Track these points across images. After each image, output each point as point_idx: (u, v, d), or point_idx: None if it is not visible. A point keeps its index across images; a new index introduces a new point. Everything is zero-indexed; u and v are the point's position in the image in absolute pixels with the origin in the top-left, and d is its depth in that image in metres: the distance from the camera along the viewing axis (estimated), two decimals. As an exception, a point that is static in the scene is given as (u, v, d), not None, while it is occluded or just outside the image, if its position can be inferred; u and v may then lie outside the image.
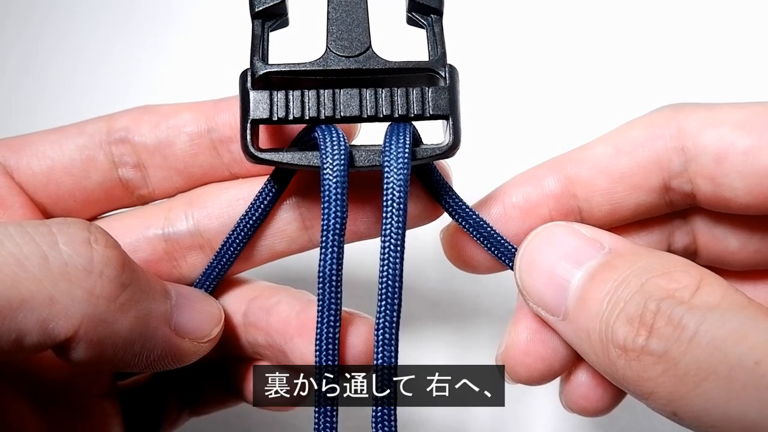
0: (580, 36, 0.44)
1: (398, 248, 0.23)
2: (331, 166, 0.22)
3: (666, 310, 0.20)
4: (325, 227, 0.23)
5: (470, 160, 0.39)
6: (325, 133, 0.23)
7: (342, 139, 0.23)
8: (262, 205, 0.25)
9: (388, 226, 0.23)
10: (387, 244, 0.23)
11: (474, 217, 0.25)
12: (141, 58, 0.45)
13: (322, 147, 0.23)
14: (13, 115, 0.43)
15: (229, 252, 0.26)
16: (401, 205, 0.23)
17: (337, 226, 0.22)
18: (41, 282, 0.19)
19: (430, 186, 0.26)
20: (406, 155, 0.23)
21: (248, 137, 0.23)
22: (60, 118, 0.28)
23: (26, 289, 0.18)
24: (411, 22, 0.25)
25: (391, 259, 0.23)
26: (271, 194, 0.25)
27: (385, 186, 0.23)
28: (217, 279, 0.27)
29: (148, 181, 0.27)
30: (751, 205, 0.23)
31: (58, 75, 0.44)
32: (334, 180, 0.22)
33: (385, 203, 0.23)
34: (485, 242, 0.26)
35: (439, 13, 0.25)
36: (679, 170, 0.24)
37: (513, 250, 0.25)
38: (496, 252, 0.26)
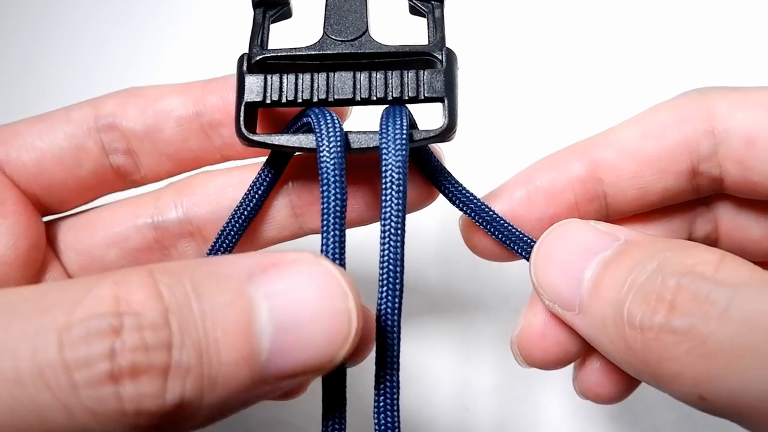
0: (588, 26, 0.44)
1: (399, 231, 0.22)
2: (327, 147, 0.22)
3: (689, 285, 0.19)
4: (325, 210, 0.22)
5: (480, 151, 0.40)
6: (319, 115, 0.23)
7: (336, 120, 0.23)
8: (258, 193, 0.25)
9: (388, 208, 0.22)
10: (387, 227, 0.22)
11: (474, 201, 0.25)
12: (142, 48, 0.45)
13: (317, 129, 0.22)
14: (13, 115, 0.43)
15: (227, 241, 0.26)
16: (401, 187, 0.22)
17: (338, 208, 0.22)
18: None
19: (426, 170, 0.25)
20: (404, 136, 0.22)
21: (242, 120, 0.23)
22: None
23: None
24: (413, 11, 0.25)
25: (391, 242, 0.22)
26: (266, 181, 0.25)
27: (383, 168, 0.22)
28: None
29: (140, 166, 0.26)
30: None
31: (56, 69, 0.44)
32: (332, 161, 0.22)
33: (384, 185, 0.22)
34: (487, 226, 0.25)
35: (441, 0, 0.25)
36: (708, 154, 0.23)
37: (515, 231, 0.25)
38: (497, 234, 0.25)
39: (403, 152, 0.22)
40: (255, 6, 0.24)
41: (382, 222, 0.22)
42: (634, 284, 0.20)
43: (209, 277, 0.17)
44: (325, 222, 0.22)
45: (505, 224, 0.25)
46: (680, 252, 0.20)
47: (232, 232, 0.26)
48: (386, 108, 0.24)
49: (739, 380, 0.18)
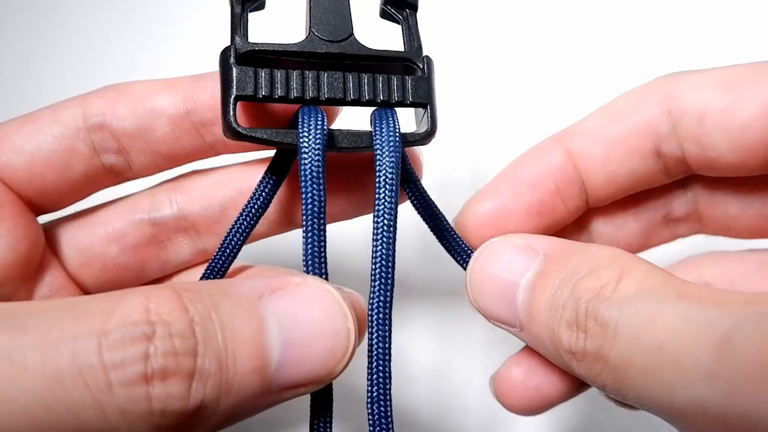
0: (571, 23, 0.44)
1: (391, 227, 0.23)
2: (307, 144, 0.22)
3: (593, 310, 0.20)
4: (304, 205, 0.22)
5: (466, 149, 0.40)
6: (305, 113, 0.23)
7: (322, 118, 0.23)
8: (260, 199, 0.25)
9: (382, 206, 0.23)
10: (380, 223, 0.23)
11: (432, 208, 0.26)
12: (142, 49, 0.45)
13: (301, 126, 0.23)
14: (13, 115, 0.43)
15: (231, 246, 0.26)
16: (393, 186, 0.23)
17: (317, 202, 0.22)
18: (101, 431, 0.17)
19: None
20: (398, 138, 0.23)
21: (231, 113, 0.22)
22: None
23: None
24: (385, 15, 0.26)
25: (384, 237, 0.23)
26: (269, 186, 0.25)
27: (378, 167, 0.23)
28: (220, 274, 0.26)
29: (132, 165, 0.26)
30: (737, 164, 0.23)
31: (55, 75, 0.45)
32: (309, 157, 0.22)
33: (378, 185, 0.23)
34: (438, 234, 0.26)
35: (414, 7, 0.25)
36: (667, 134, 0.24)
37: (463, 246, 0.26)
38: (448, 248, 0.27)
39: (397, 153, 0.23)
40: None
41: (375, 219, 0.23)
42: (558, 310, 0.21)
43: (224, 296, 0.19)
44: (305, 216, 0.22)
45: (450, 235, 0.26)
46: (588, 276, 0.21)
47: (236, 237, 0.25)
48: (377, 110, 0.24)
49: (634, 391, 0.19)
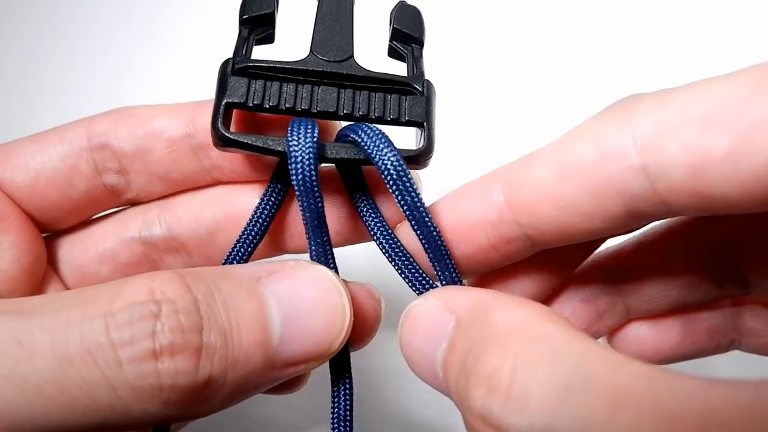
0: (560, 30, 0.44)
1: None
2: (297, 150, 0.22)
3: (487, 413, 0.18)
4: (302, 213, 0.22)
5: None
6: (296, 122, 0.22)
7: (312, 127, 0.22)
8: (264, 214, 0.25)
9: (407, 208, 0.22)
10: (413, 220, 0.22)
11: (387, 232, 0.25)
12: (140, 57, 0.45)
13: (290, 133, 0.22)
14: (13, 115, 0.43)
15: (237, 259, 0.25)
16: (403, 176, 0.22)
17: (314, 209, 0.22)
18: (113, 408, 0.18)
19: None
20: (394, 148, 0.22)
21: (219, 118, 0.23)
22: (58, 117, 0.28)
23: (101, 416, 0.18)
24: (392, 53, 0.26)
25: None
26: (270, 202, 0.25)
27: (385, 172, 0.22)
28: None
29: (132, 186, 0.27)
30: (754, 203, 0.18)
31: (55, 75, 0.44)
32: (301, 164, 0.22)
33: (391, 188, 0.22)
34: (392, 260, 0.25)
35: (421, 43, 0.25)
36: (645, 193, 0.19)
37: (422, 278, 0.24)
38: (404, 277, 0.25)
39: (400, 160, 0.22)
40: (241, 23, 0.25)
41: (410, 218, 0.22)
42: (462, 398, 0.19)
43: (224, 278, 0.20)
44: (306, 223, 0.23)
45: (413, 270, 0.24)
46: (480, 360, 0.18)
47: (241, 252, 0.25)
48: (357, 123, 0.23)
49: None
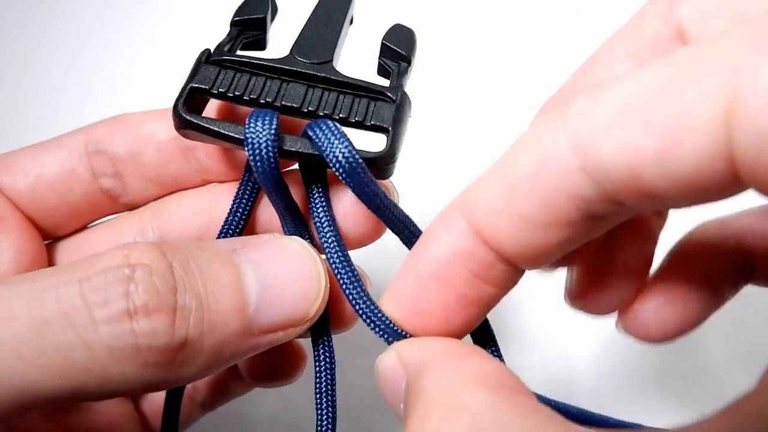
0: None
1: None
2: (254, 136, 0.21)
3: None
4: (271, 201, 0.22)
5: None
6: (257, 112, 0.22)
7: (272, 117, 0.22)
8: (239, 209, 0.25)
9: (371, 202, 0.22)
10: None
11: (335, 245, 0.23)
12: (137, 61, 0.45)
13: (248, 121, 0.21)
14: (12, 115, 0.43)
15: None
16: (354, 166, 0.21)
17: (279, 196, 0.22)
18: (91, 370, 0.18)
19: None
20: (350, 145, 0.21)
21: (181, 100, 0.23)
22: (56, 120, 0.28)
23: (79, 379, 0.18)
24: (381, 71, 0.26)
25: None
26: (246, 195, 0.25)
27: (338, 169, 0.21)
28: None
29: (127, 189, 0.27)
30: (701, 199, 0.17)
31: (54, 79, 0.44)
32: (259, 151, 0.21)
33: (349, 184, 0.22)
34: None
35: (409, 61, 0.25)
36: (595, 195, 0.17)
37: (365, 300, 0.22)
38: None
39: (353, 152, 0.21)
40: (232, 24, 0.25)
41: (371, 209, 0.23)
42: None
43: (200, 248, 0.21)
44: (277, 210, 0.23)
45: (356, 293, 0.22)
46: (409, 427, 0.17)
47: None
48: (317, 120, 0.22)
49: None
